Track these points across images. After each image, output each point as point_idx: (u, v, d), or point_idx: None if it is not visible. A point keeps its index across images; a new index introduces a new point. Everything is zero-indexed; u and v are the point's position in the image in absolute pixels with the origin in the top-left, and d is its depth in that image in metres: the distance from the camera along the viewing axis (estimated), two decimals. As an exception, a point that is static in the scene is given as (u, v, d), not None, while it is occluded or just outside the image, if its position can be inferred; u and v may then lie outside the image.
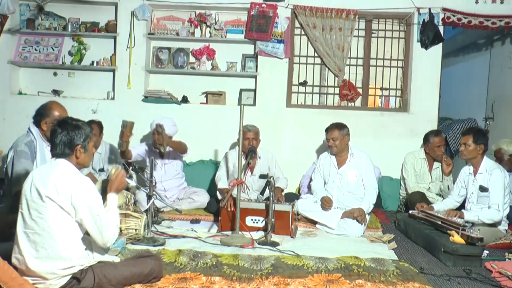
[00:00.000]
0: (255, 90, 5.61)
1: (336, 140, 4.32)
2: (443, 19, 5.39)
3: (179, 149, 4.73)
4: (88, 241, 2.53)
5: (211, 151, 5.48)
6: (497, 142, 4.92)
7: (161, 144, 4.52)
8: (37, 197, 2.31)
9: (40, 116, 3.29)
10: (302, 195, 4.76)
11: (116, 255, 2.94)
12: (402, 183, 5.16)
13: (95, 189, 2.44)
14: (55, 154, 2.46)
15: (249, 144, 4.45)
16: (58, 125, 2.48)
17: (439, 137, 4.90)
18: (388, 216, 4.79)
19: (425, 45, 5.41)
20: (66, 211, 2.32)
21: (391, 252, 3.56)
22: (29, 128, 3.32)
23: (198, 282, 2.71)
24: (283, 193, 4.57)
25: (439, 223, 3.75)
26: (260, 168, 4.64)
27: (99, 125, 4.76)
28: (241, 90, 5.71)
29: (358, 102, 5.68)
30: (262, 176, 4.57)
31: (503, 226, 3.87)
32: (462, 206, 4.19)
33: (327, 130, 4.44)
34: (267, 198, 3.81)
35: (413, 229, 3.95)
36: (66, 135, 2.44)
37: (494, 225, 3.80)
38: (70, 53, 5.71)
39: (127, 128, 4.32)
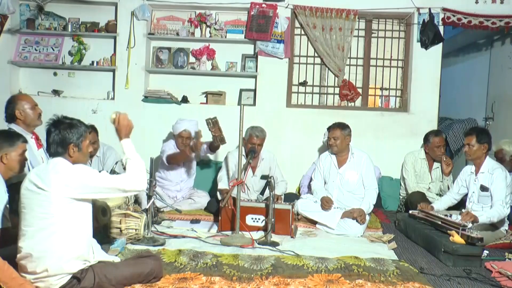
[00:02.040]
0: (255, 90, 5.61)
1: (337, 140, 4.31)
2: (443, 19, 5.39)
3: (223, 140, 4.68)
4: (89, 240, 2.53)
5: (211, 151, 5.48)
6: (497, 143, 4.89)
7: (220, 135, 4.53)
8: (38, 193, 2.31)
9: (11, 109, 3.44)
10: (302, 195, 4.76)
11: (116, 255, 2.94)
12: (402, 183, 5.16)
13: (90, 168, 2.46)
14: (50, 154, 2.49)
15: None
16: (52, 125, 2.48)
17: (439, 137, 4.90)
18: (388, 216, 4.80)
19: (425, 45, 5.41)
20: (76, 199, 2.34)
21: (391, 252, 3.57)
22: (9, 128, 3.41)
23: (198, 282, 2.71)
24: (282, 196, 4.59)
25: (439, 223, 3.75)
26: (262, 169, 4.63)
27: (94, 129, 4.54)
28: (241, 90, 5.71)
29: (358, 102, 5.68)
30: (264, 177, 4.57)
31: (503, 226, 3.87)
32: (461, 204, 4.20)
33: (329, 128, 4.43)
34: (267, 198, 3.81)
35: (413, 229, 3.95)
36: (58, 134, 2.44)
37: (495, 225, 3.80)
38: (70, 53, 5.70)
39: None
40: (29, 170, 3.24)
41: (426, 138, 4.96)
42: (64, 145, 2.44)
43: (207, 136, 4.76)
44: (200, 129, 4.69)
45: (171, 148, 4.77)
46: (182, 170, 4.84)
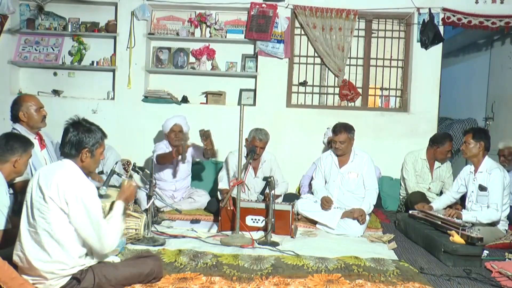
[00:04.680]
0: (255, 90, 5.61)
1: (343, 143, 4.25)
2: (443, 19, 5.39)
3: (214, 154, 4.76)
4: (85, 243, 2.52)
5: (211, 151, 5.47)
6: (507, 141, 4.85)
7: (211, 149, 4.56)
8: (40, 196, 2.31)
9: (15, 110, 3.45)
10: (302, 195, 4.76)
11: (116, 255, 2.94)
12: (402, 183, 5.16)
13: (96, 195, 2.42)
14: (62, 153, 2.47)
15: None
16: (71, 125, 2.48)
17: (452, 142, 4.91)
18: (388, 216, 4.79)
19: (425, 45, 5.41)
20: (65, 213, 2.31)
21: (391, 252, 3.56)
22: (13, 128, 3.43)
23: (198, 282, 2.71)
24: (281, 197, 4.59)
25: (439, 223, 3.76)
26: (263, 171, 4.63)
27: None
28: (241, 90, 5.71)
29: (358, 102, 5.68)
30: (265, 179, 4.56)
31: (503, 226, 3.87)
32: (462, 203, 4.20)
33: (335, 131, 4.31)
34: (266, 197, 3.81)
35: (413, 229, 3.95)
36: (76, 135, 2.43)
37: (494, 225, 3.80)
38: (70, 53, 5.70)
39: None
40: (31, 171, 3.24)
41: (439, 141, 4.88)
42: (79, 148, 2.42)
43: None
44: (188, 131, 4.69)
45: (162, 148, 4.76)
46: (176, 170, 4.84)
